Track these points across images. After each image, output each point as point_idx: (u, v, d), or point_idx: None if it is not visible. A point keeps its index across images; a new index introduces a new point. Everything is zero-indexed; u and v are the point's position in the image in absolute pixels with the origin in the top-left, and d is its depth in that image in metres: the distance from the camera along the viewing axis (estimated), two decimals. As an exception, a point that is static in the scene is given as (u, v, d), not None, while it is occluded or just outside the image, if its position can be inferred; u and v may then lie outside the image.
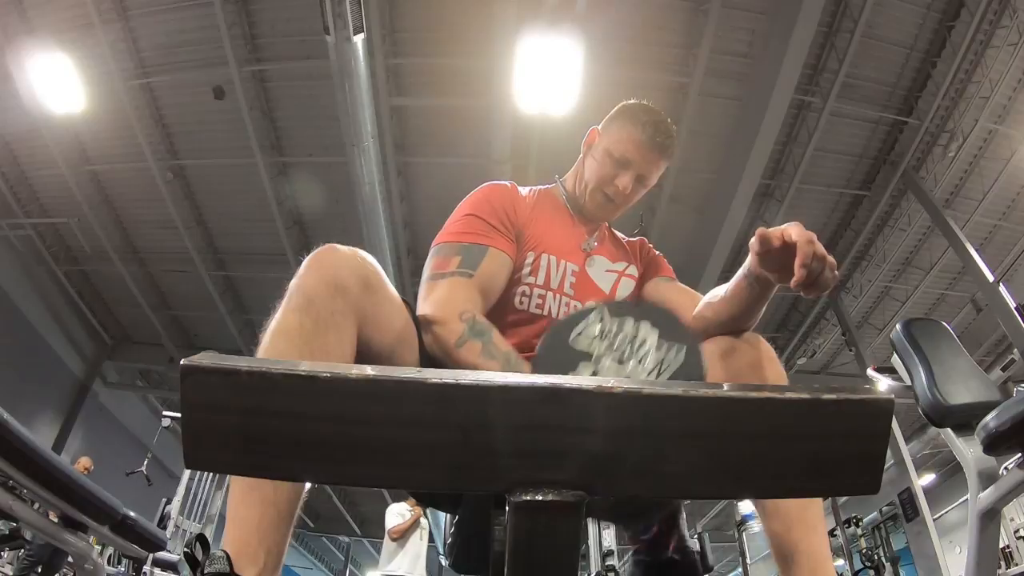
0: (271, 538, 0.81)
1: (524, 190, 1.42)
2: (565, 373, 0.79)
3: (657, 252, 1.50)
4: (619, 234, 1.53)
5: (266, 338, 0.90)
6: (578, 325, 0.85)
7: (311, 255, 0.96)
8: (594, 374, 0.80)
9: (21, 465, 1.64)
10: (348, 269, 0.95)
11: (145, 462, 6.40)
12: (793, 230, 0.88)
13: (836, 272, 0.90)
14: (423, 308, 1.13)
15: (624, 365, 0.81)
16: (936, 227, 7.34)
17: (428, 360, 1.09)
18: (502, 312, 1.26)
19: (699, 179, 7.29)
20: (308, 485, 0.91)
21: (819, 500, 1.19)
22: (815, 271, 0.86)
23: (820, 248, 0.87)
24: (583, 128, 1.44)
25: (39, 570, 4.24)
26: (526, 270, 1.29)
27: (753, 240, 0.93)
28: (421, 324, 1.11)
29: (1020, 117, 6.78)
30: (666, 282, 1.41)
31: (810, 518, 1.00)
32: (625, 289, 1.39)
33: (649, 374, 0.80)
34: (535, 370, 0.85)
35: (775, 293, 1.07)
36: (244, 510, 0.82)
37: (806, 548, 0.98)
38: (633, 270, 1.43)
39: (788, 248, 0.88)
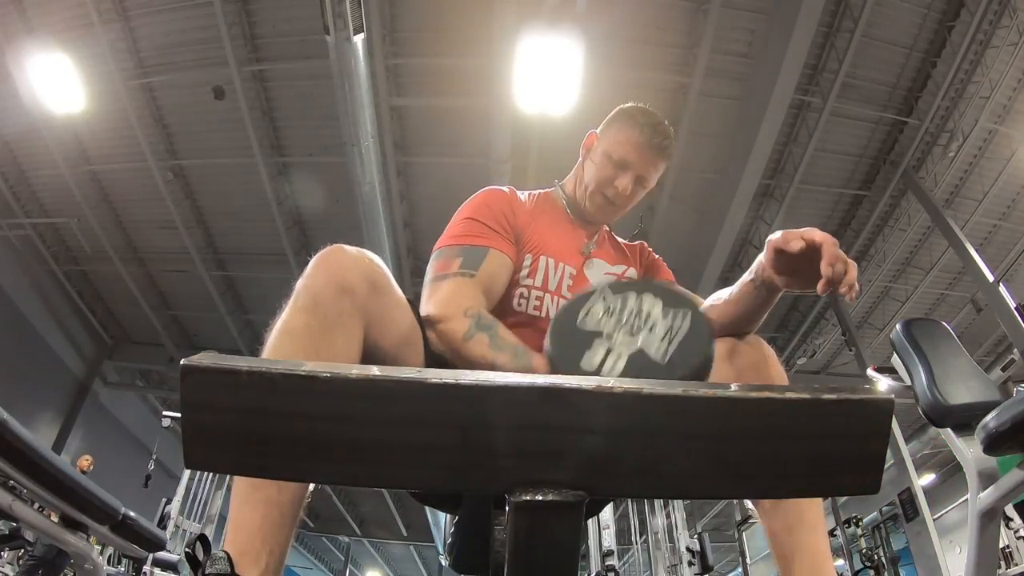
0: (273, 539, 0.81)
1: (523, 194, 1.42)
2: (580, 355, 0.82)
3: (657, 256, 1.51)
4: (619, 238, 1.54)
5: (272, 338, 0.90)
6: (583, 308, 0.88)
7: (318, 255, 0.95)
8: (608, 350, 0.82)
9: (21, 465, 1.64)
10: (355, 270, 0.94)
11: (151, 464, 6.41)
12: (816, 233, 0.90)
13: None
14: (427, 308, 1.14)
15: (636, 336, 0.83)
16: (936, 227, 7.34)
17: (433, 361, 1.09)
18: (500, 313, 1.27)
19: (699, 179, 7.28)
20: (311, 486, 0.91)
21: (819, 500, 1.19)
22: (840, 271, 0.88)
23: (841, 252, 0.89)
24: (583, 128, 1.45)
25: (41, 572, 4.23)
26: (524, 272, 1.29)
27: (773, 238, 0.94)
28: (426, 324, 1.11)
29: (1020, 117, 6.78)
30: None
31: (810, 518, 1.00)
32: None
33: (661, 341, 0.83)
34: (549, 359, 0.86)
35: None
36: (247, 510, 0.82)
37: (806, 548, 0.98)
38: (632, 273, 1.43)
39: (806, 252, 0.90)
